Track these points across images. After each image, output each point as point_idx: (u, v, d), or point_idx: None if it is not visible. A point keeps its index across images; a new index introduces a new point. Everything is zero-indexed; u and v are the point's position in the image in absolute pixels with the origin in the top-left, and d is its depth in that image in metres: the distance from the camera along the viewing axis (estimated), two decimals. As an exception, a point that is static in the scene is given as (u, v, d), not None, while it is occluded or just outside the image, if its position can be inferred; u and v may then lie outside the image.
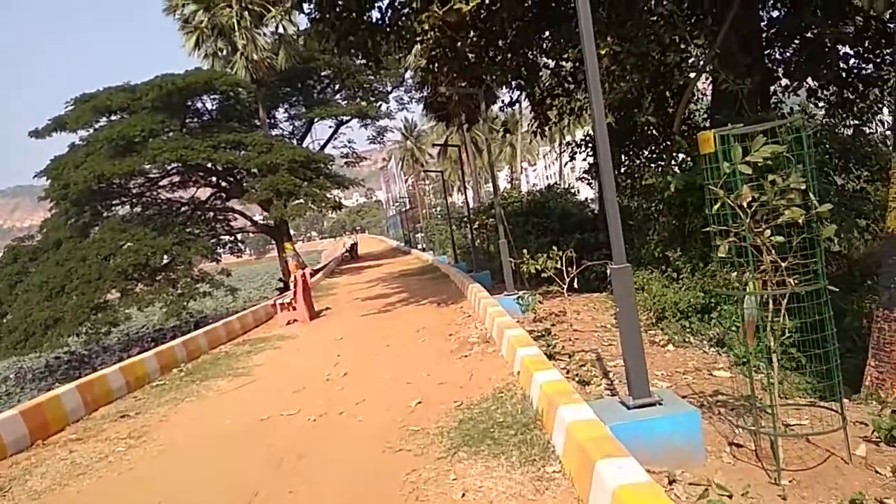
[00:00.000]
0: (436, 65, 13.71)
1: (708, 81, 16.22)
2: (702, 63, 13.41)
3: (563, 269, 10.96)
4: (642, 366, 4.77)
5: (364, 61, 14.91)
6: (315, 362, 9.84)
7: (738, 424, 5.34)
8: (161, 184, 36.67)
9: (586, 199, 33.17)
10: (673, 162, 14.58)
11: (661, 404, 4.74)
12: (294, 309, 15.48)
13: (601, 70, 13.20)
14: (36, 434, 6.77)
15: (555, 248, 11.02)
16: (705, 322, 9.28)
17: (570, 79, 16.78)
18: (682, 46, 13.45)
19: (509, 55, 15.38)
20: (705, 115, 16.30)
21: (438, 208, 60.37)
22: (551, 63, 17.19)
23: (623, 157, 15.60)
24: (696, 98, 16.46)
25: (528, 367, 6.13)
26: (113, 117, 33.39)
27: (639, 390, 4.74)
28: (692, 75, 13.89)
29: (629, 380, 4.85)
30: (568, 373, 7.30)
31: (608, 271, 4.82)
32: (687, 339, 8.79)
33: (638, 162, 15.82)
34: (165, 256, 29.32)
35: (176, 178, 37.02)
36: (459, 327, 11.01)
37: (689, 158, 13.43)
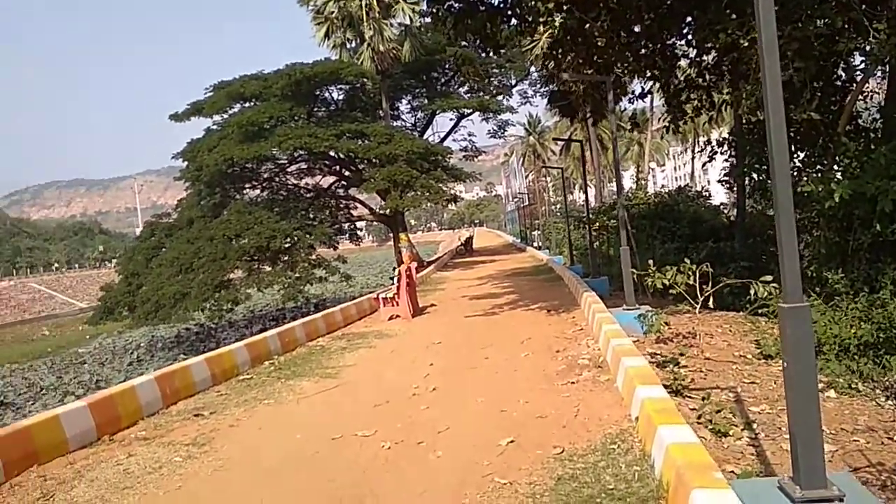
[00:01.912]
0: (560, 51, 12.45)
1: (883, 76, 13.78)
2: (881, 51, 11.17)
3: (696, 284, 9.43)
4: (819, 446, 3.43)
5: (483, 47, 13.92)
6: (406, 369, 9.01)
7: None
8: (289, 170, 37.97)
9: (721, 204, 30.40)
10: (836, 167, 12.43)
11: (842, 501, 3.37)
12: (397, 304, 14.87)
13: (753, 58, 11.39)
14: (104, 428, 6.42)
15: (686, 260, 9.51)
16: (879, 365, 7.46)
17: (712, 70, 14.86)
18: (857, 32, 11.32)
19: (644, 41, 13.78)
20: (877, 115, 13.85)
21: (558, 206, 58.49)
22: (691, 52, 15.35)
23: (773, 158, 13.51)
24: (866, 95, 14.00)
25: (650, 417, 4.87)
26: (245, 104, 34.90)
27: (811, 479, 3.40)
28: (867, 66, 11.70)
29: (796, 461, 3.51)
30: (700, 418, 5.94)
31: (777, 309, 3.46)
32: (854, 386, 7.06)
33: (791, 165, 13.66)
34: (287, 240, 30.10)
35: (303, 165, 38.26)
36: (569, 343, 9.77)
37: (856, 164, 11.29)
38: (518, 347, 9.83)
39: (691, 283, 9.30)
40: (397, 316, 14.72)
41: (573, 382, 7.31)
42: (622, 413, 5.89)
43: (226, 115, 34.87)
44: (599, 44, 12.30)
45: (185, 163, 33.78)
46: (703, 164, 19.57)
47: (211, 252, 28.62)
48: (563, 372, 7.91)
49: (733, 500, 3.38)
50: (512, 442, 5.46)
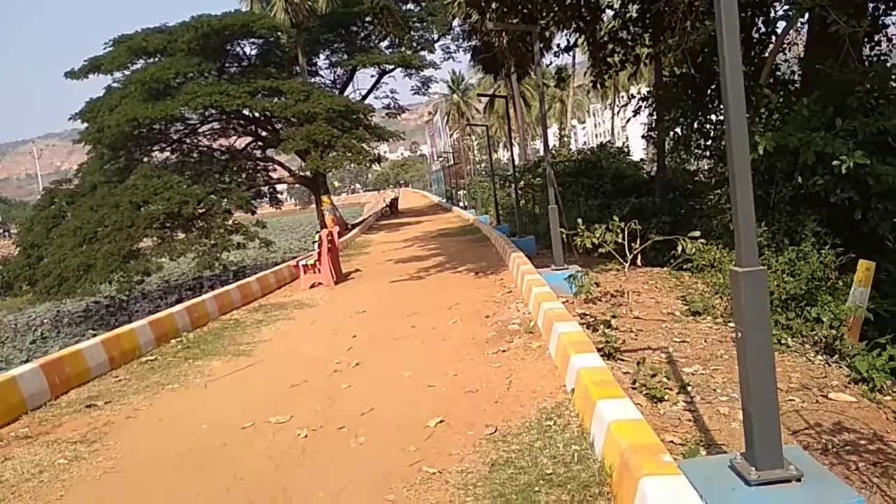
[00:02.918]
0: (484, -1, 11.81)
1: (801, 26, 13.87)
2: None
3: (626, 242, 9.23)
4: (775, 423, 3.12)
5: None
6: (327, 343, 8.42)
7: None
8: (200, 131, 35.74)
9: (641, 160, 30.85)
10: (758, 119, 12.50)
11: (799, 481, 3.10)
12: (318, 271, 14.13)
13: (679, 7, 11.13)
14: (-27, 429, 5.56)
15: (614, 218, 9.27)
16: (808, 319, 7.46)
17: (636, 22, 14.62)
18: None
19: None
20: (797, 67, 13.98)
21: (483, 165, 58.34)
22: (616, 3, 15.05)
23: (698, 111, 13.49)
24: (784, 47, 14.07)
25: (588, 390, 4.52)
26: (149, 60, 32.35)
27: (767, 458, 3.10)
28: (790, 13, 11.66)
29: (750, 438, 3.21)
30: (635, 383, 5.70)
31: (730, 274, 3.07)
32: (784, 342, 7.02)
33: (714, 119, 13.68)
34: (200, 206, 28.44)
35: (216, 126, 36.10)
36: (498, 307, 9.43)
37: (778, 116, 11.31)
38: (446, 314, 9.40)
39: (620, 240, 9.08)
40: (319, 283, 14.01)
41: (504, 351, 6.94)
42: (556, 384, 5.55)
43: (128, 72, 32.25)
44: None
45: (85, 124, 31.17)
46: (627, 120, 19.55)
47: (117, 220, 26.70)
48: (494, 339, 7.54)
49: (685, 486, 3.05)
50: (441, 422, 5.02)
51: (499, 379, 5.95)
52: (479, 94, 54.10)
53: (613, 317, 7.95)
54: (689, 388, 5.78)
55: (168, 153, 34.32)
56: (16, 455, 5.19)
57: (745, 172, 3.08)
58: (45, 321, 32.58)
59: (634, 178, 21.51)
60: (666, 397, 5.51)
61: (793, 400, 5.53)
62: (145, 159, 31.93)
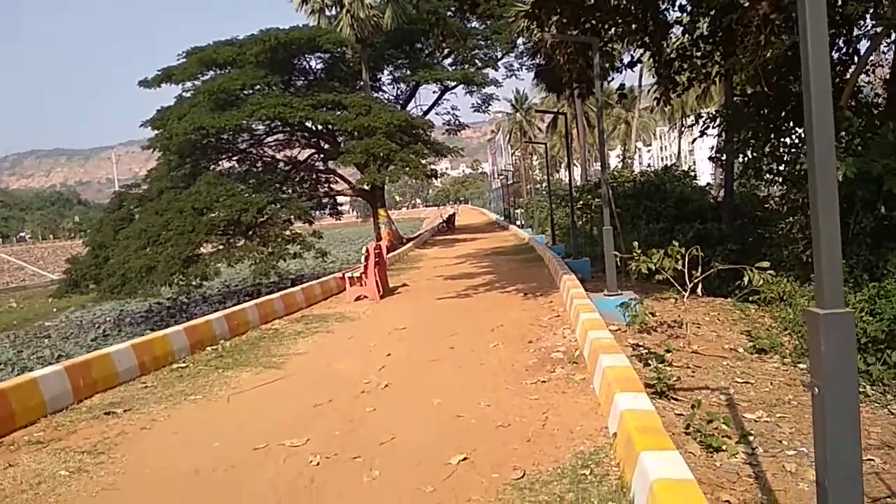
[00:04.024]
0: (544, 10, 11.34)
1: (887, 47, 12.87)
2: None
3: (685, 269, 8.53)
4: (859, 502, 2.52)
5: (462, 6, 12.79)
6: (361, 360, 8.05)
7: None
8: (266, 141, 36.60)
9: (707, 184, 29.60)
10: (837, 144, 11.52)
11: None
12: (364, 284, 13.88)
13: (753, 20, 10.38)
14: (-8, 429, 5.41)
15: (675, 242, 8.60)
16: (890, 365, 6.60)
17: (706, 39, 13.85)
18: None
19: (635, 4, 12.72)
20: (882, 89, 12.94)
21: (543, 185, 57.61)
22: (685, 18, 14.31)
23: (770, 133, 12.60)
24: (868, 68, 13.03)
25: (631, 437, 3.94)
26: (219, 71, 33.35)
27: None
28: (876, 31, 10.74)
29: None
30: (688, 428, 5.07)
31: (806, 316, 2.45)
32: (863, 390, 6.21)
33: (789, 141, 12.75)
34: (260, 214, 28.90)
35: (280, 137, 36.85)
36: (544, 332, 8.86)
37: (860, 140, 10.40)
38: (488, 336, 8.90)
39: (679, 267, 8.39)
40: (364, 297, 13.75)
41: (544, 381, 6.38)
42: (598, 424, 4.97)
43: (198, 83, 33.36)
44: (587, 3, 11.22)
45: (156, 131, 32.32)
46: (693, 140, 18.65)
47: (180, 224, 27.38)
48: (534, 367, 6.99)
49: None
50: (465, 460, 4.53)
51: (534, 414, 5.41)
52: (537, 111, 53.55)
53: (668, 350, 7.29)
54: (751, 438, 5.11)
55: (234, 162, 35.21)
56: (20, 462, 4.99)
57: (830, 200, 2.50)
58: (108, 319, 33.75)
59: (700, 203, 20.53)
60: (724, 447, 4.86)
61: (872, 460, 4.79)
62: (211, 167, 32.81)
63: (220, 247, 28.28)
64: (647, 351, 7.26)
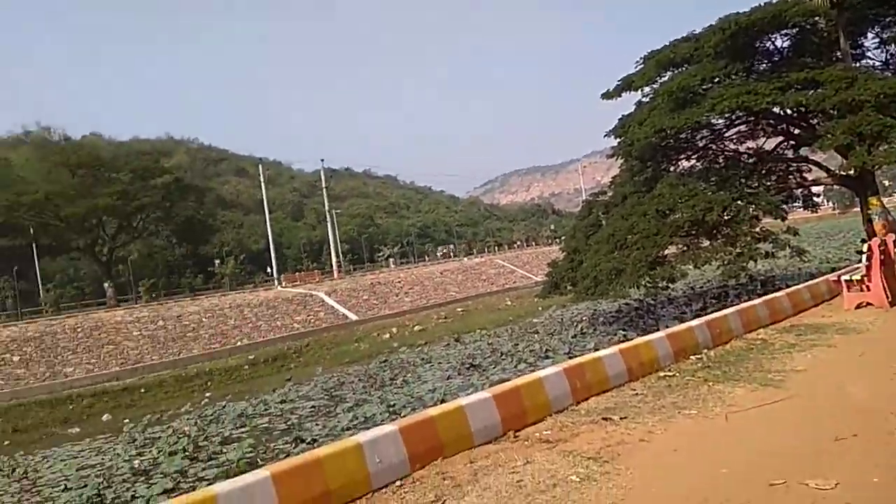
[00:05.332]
0: None
1: None
2: None
3: None
4: None
5: None
6: (881, 385, 6.54)
7: None
8: (726, 135, 34.81)
9: None
10: None
11: None
12: (867, 289, 11.56)
13: None
14: (509, 423, 6.14)
15: None
16: None
17: None
18: None
19: None
20: None
21: None
22: None
23: None
24: None
25: None
26: (676, 70, 33.06)
27: None
28: None
29: None
30: None
31: None
32: None
33: None
34: (725, 213, 27.56)
35: (742, 128, 34.55)
36: None
37: None
38: None
39: None
40: (867, 304, 11.45)
41: None
42: None
43: (655, 86, 33.79)
44: None
45: (618, 140, 34.03)
46: None
47: (644, 228, 28.09)
48: None
49: None
50: None
51: None
52: None
53: None
54: None
55: (693, 161, 34.51)
56: (536, 459, 5.48)
57: None
58: (583, 318, 36.90)
59: None
60: None
61: None
62: (671, 168, 32.80)
63: (684, 248, 27.96)
64: None
